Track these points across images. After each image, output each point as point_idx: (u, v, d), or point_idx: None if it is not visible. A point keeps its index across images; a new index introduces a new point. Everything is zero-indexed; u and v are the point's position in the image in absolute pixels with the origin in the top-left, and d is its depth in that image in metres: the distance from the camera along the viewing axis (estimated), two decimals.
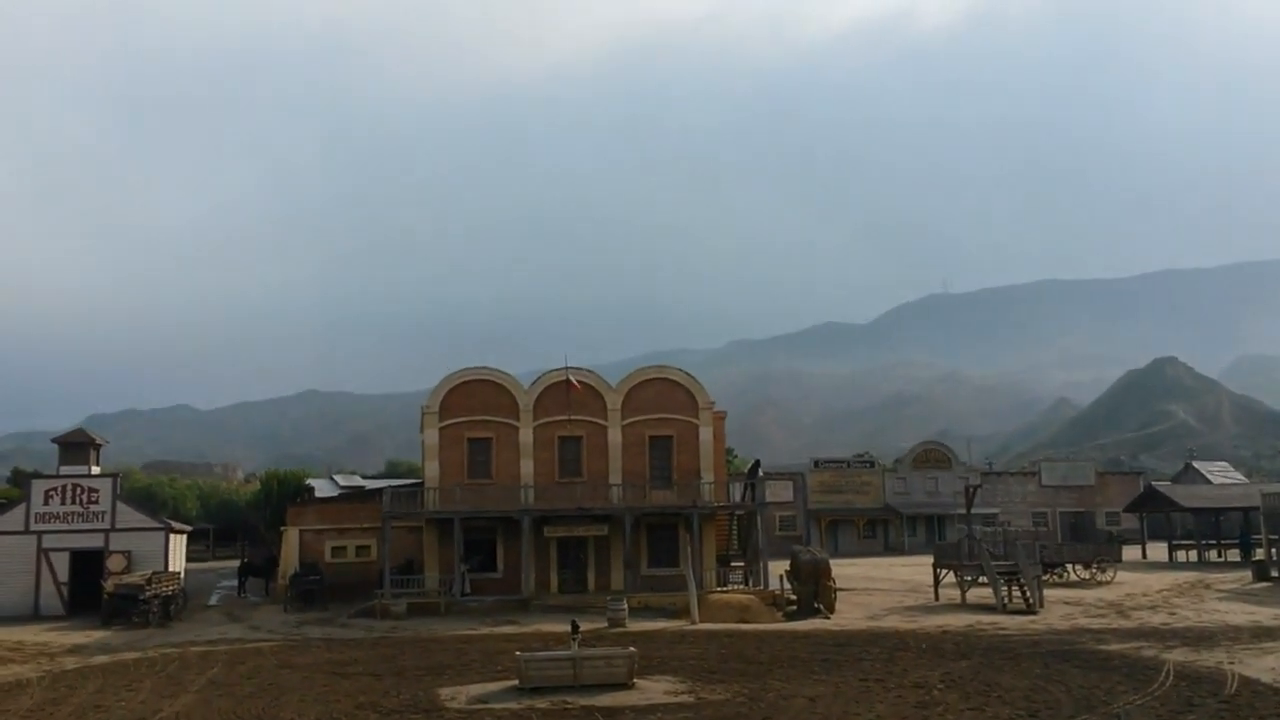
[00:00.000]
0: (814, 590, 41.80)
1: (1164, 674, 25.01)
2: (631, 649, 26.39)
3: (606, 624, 37.69)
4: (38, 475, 52.01)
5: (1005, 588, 41.78)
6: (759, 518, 48.04)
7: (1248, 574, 52.32)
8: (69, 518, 47.36)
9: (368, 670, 28.88)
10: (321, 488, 71.05)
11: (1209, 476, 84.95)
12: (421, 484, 49.01)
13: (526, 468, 48.10)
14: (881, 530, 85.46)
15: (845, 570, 53.80)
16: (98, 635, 38.55)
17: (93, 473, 48.95)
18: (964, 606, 41.82)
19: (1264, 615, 37.16)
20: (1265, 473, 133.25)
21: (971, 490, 57.42)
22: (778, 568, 45.60)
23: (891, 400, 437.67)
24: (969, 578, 43.91)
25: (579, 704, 22.86)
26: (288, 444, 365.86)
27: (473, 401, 48.67)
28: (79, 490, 47.71)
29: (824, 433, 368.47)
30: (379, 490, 52.04)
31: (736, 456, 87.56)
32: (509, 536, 47.05)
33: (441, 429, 48.33)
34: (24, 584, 46.39)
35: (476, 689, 25.34)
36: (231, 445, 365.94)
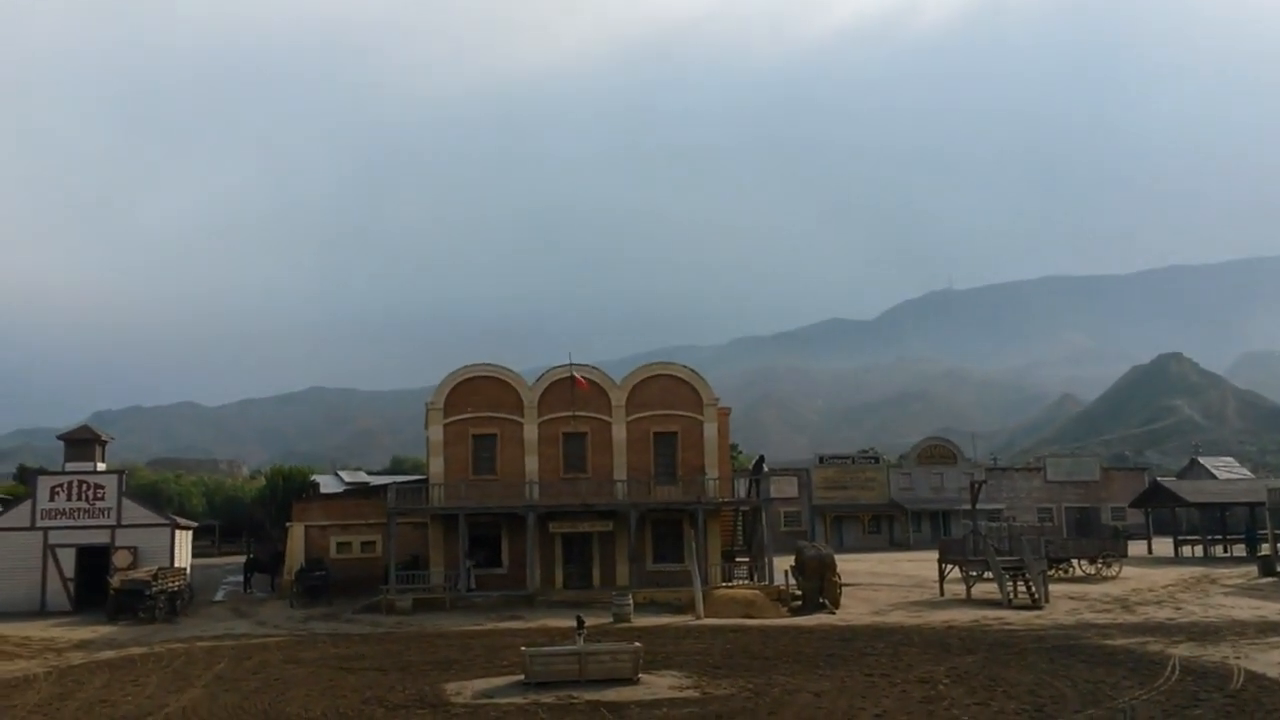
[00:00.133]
0: (819, 586, 41.81)
1: (1169, 669, 25.00)
2: (636, 644, 26.41)
3: (611, 619, 37.74)
4: (44, 472, 52.07)
5: (1010, 583, 41.77)
6: (764, 513, 48.03)
7: (1253, 569, 52.27)
8: (75, 514, 47.46)
9: (373, 665, 28.92)
10: (327, 484, 71.09)
11: (1214, 472, 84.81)
12: (426, 480, 49.07)
13: (531, 464, 48.13)
14: (886, 526, 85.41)
15: (850, 566, 53.79)
16: (104, 631, 38.63)
17: (98, 469, 49.05)
18: (969, 602, 41.83)
19: (1270, 610, 37.11)
20: (1271, 468, 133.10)
21: (976, 486, 57.39)
22: (783, 563, 45.61)
23: (896, 396, 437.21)
24: (974, 573, 43.90)
25: (584, 699, 22.89)
26: (293, 440, 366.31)
27: (477, 398, 48.69)
28: (85, 486, 47.79)
29: (829, 429, 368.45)
30: (384, 486, 52.12)
31: (741, 453, 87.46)
32: (514, 532, 47.08)
33: (446, 425, 48.36)
34: (30, 580, 46.49)
35: (482, 684, 25.38)
36: (237, 442, 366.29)
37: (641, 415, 49.12)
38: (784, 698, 22.77)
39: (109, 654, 32.53)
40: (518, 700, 23.07)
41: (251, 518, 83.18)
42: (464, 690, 24.55)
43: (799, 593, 42.57)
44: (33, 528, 47.11)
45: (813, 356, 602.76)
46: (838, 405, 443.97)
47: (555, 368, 49.67)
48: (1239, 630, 32.04)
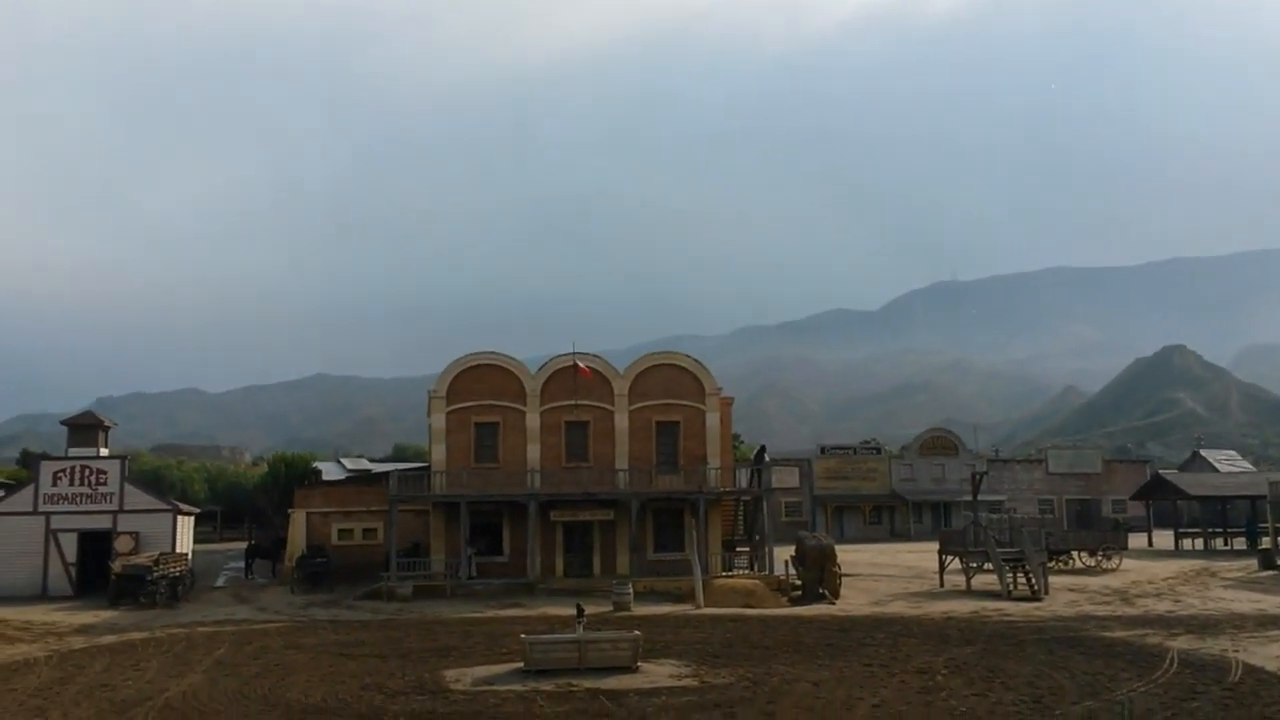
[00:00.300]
0: (819, 576, 41.84)
1: (1168, 661, 25.01)
2: (636, 632, 26.45)
3: (612, 608, 37.80)
4: (46, 457, 52.18)
5: (1010, 574, 41.77)
6: (765, 503, 48.07)
7: (1254, 562, 52.26)
8: (77, 499, 47.58)
9: (374, 652, 28.98)
10: (329, 471, 71.36)
11: (1216, 465, 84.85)
12: (428, 468, 49.15)
13: (533, 452, 48.18)
14: (887, 516, 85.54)
15: (851, 556, 53.86)
16: (105, 615, 38.73)
17: (101, 454, 49.12)
18: (969, 593, 41.86)
19: (1269, 604, 37.11)
20: (1273, 461, 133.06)
21: (978, 477, 57.49)
22: (783, 553, 45.61)
23: (899, 387, 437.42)
24: (974, 564, 43.91)
25: (583, 686, 22.94)
26: (296, 427, 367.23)
27: (480, 386, 48.73)
28: (87, 472, 47.91)
29: (831, 419, 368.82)
30: (386, 474, 52.23)
31: (743, 442, 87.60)
32: (515, 520, 47.16)
33: (449, 413, 48.42)
34: (32, 564, 46.63)
35: (482, 671, 25.44)
36: (240, 428, 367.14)
37: (644, 404, 49.16)
38: (783, 687, 22.81)
39: (110, 639, 32.62)
40: (517, 687, 23.12)
41: (253, 504, 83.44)
42: (464, 677, 24.60)
43: (799, 583, 42.61)
44: (35, 512, 47.23)
45: (817, 347, 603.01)
46: (841, 395, 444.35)
47: (558, 356, 49.68)
48: (1238, 623, 32.05)
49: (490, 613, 38.16)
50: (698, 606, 39.27)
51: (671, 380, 49.74)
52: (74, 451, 48.73)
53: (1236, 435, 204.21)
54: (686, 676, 24.27)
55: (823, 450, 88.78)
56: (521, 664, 25.24)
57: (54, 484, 47.67)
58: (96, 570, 45.84)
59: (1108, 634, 30.19)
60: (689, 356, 51.37)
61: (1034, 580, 40.98)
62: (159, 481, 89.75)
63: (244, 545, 60.80)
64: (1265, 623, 32.19)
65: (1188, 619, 33.41)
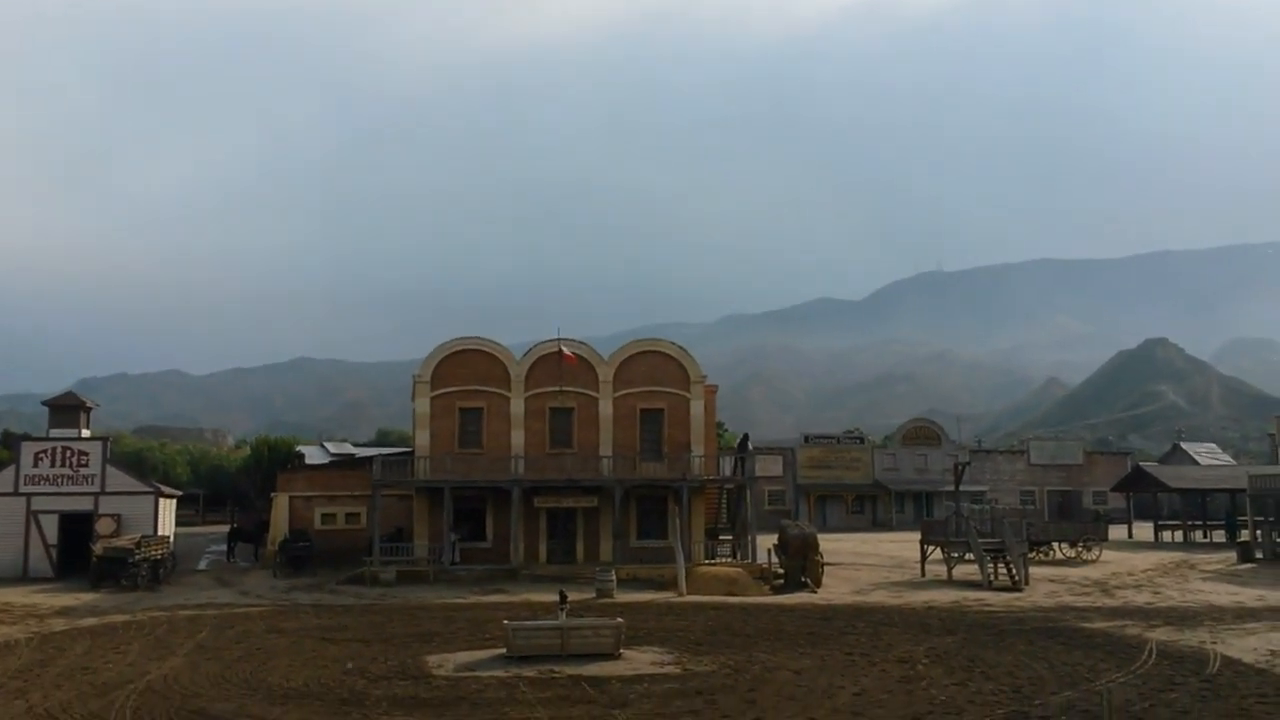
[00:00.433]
0: (802, 564, 41.96)
1: (1147, 652, 25.19)
2: (619, 619, 26.52)
3: (594, 594, 37.84)
4: (28, 437, 51.87)
5: (991, 565, 41.98)
6: (748, 492, 48.16)
7: (1233, 555, 52.66)
8: (58, 480, 47.35)
9: (356, 637, 28.98)
10: (312, 455, 71.16)
11: (1197, 458, 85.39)
12: (412, 453, 49.07)
13: (517, 438, 48.13)
14: (870, 506, 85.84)
15: (833, 545, 54.04)
16: (86, 598, 38.61)
17: (83, 436, 48.88)
18: (950, 583, 42.06)
19: (1247, 596, 37.40)
20: (1253, 455, 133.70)
21: (960, 468, 57.68)
22: (766, 541, 45.73)
23: (883, 377, 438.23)
24: (956, 554, 44.09)
25: (566, 673, 22.98)
26: (280, 411, 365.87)
27: (465, 371, 48.64)
28: (69, 453, 47.67)
29: (815, 408, 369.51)
30: (369, 458, 52.11)
31: (727, 430, 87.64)
32: (499, 506, 47.15)
33: (433, 398, 48.32)
34: (13, 546, 46.41)
35: (464, 657, 25.47)
36: (223, 411, 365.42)
37: (629, 391, 49.16)
38: (764, 675, 22.91)
39: (91, 621, 32.52)
40: (499, 673, 23.15)
41: (236, 487, 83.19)
42: (446, 663, 24.63)
43: (781, 571, 42.73)
44: (16, 493, 46.99)
45: (802, 335, 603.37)
46: (825, 385, 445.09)
47: (543, 342, 49.61)
48: (1216, 615, 32.28)
49: (473, 598, 38.18)
50: (680, 594, 39.36)
51: (656, 367, 49.74)
52: (55, 432, 48.48)
53: (1217, 428, 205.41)
54: (669, 664, 24.35)
55: (806, 439, 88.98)
56: (504, 650, 25.27)
57: (35, 465, 47.41)
58: (78, 552, 45.65)
59: (1087, 625, 30.39)
60: (674, 344, 51.36)
61: (1015, 571, 41.19)
62: (141, 463, 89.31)
63: (226, 528, 60.66)
64: (1243, 615, 32.43)
65: (1167, 611, 33.64)
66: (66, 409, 49.55)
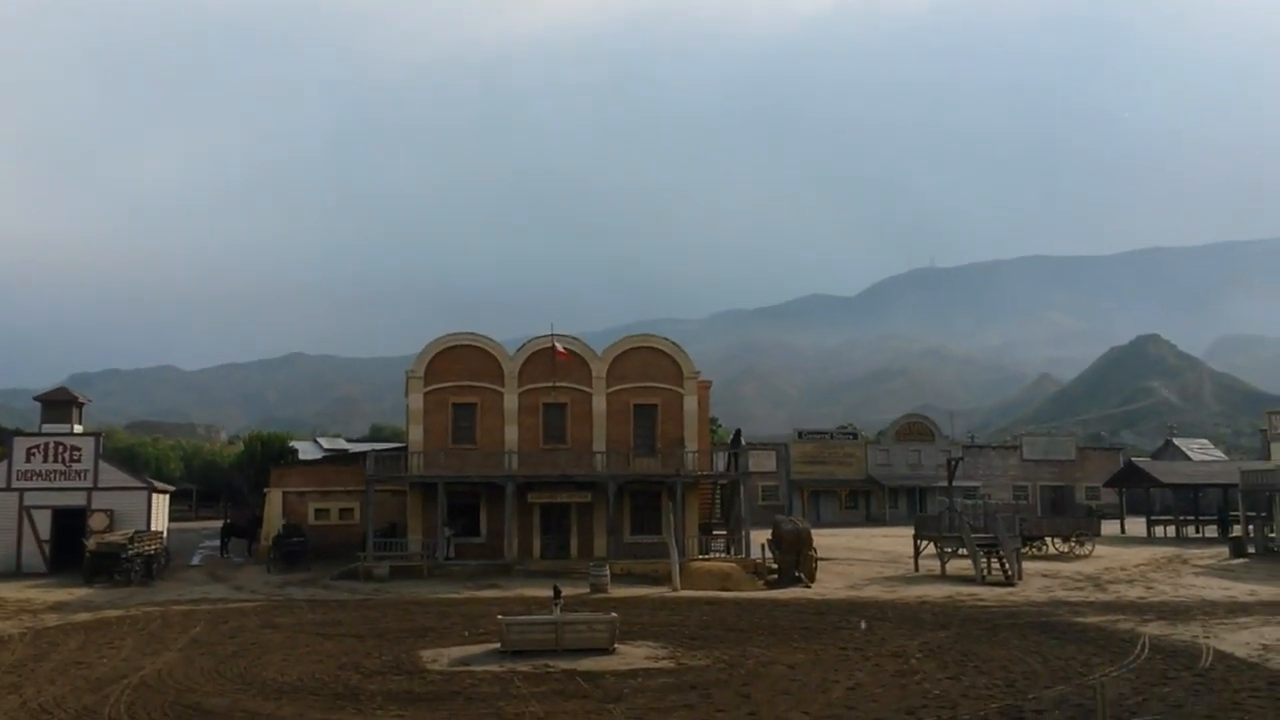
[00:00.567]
0: (795, 559, 42.02)
1: (1140, 647, 25.27)
2: (613, 614, 26.54)
3: (589, 589, 37.88)
4: (20, 433, 51.78)
5: (985, 560, 42.09)
6: (742, 487, 48.20)
7: (1225, 550, 52.79)
8: (51, 476, 47.24)
9: (350, 631, 28.98)
10: (305, 450, 71.05)
11: (1189, 453, 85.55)
12: (405, 448, 49.02)
13: (511, 434, 48.10)
14: (863, 501, 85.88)
15: (827, 540, 54.07)
16: (80, 593, 38.55)
17: (75, 431, 48.78)
18: (944, 578, 42.13)
19: (1240, 591, 37.53)
20: (1244, 450, 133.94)
21: (953, 463, 57.58)
22: (760, 537, 45.79)
23: (876, 373, 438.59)
24: (949, 549, 44.20)
25: (560, 668, 23.01)
26: (274, 406, 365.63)
27: (458, 367, 48.59)
28: (61, 448, 47.56)
29: (808, 404, 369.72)
30: (363, 454, 52.06)
31: (720, 426, 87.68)
32: (492, 502, 47.13)
33: (426, 394, 48.28)
34: (6, 541, 46.32)
35: (458, 651, 25.48)
36: (217, 406, 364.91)
37: (622, 387, 49.14)
38: (758, 669, 22.95)
39: (84, 616, 32.48)
40: (494, 668, 23.17)
41: (229, 483, 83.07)
42: (440, 658, 24.64)
43: (775, 566, 42.79)
44: (9, 489, 46.89)
45: (795, 331, 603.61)
46: (819, 381, 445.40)
47: (537, 338, 49.59)
48: (1209, 610, 32.40)
49: (467, 593, 38.19)
50: (674, 589, 39.39)
51: (650, 363, 49.73)
52: (48, 428, 48.37)
53: (1209, 424, 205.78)
54: (663, 658, 24.38)
55: (800, 435, 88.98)
56: (498, 645, 25.31)
57: (28, 460, 47.31)
58: (71, 547, 45.58)
59: (1080, 619, 30.48)
60: (667, 340, 51.35)
61: (1008, 566, 41.29)
62: (134, 459, 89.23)
63: (219, 524, 60.53)
64: (1235, 609, 32.56)
65: (1159, 605, 33.75)
66: (59, 404, 49.43)
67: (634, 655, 24.69)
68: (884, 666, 23.17)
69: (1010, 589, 38.77)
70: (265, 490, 54.18)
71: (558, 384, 48.57)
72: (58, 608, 34.63)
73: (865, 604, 34.88)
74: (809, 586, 40.33)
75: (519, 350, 49.28)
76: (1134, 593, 37.39)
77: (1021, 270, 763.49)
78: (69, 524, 46.85)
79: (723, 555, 46.67)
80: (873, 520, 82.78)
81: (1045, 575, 42.89)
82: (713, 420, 67.55)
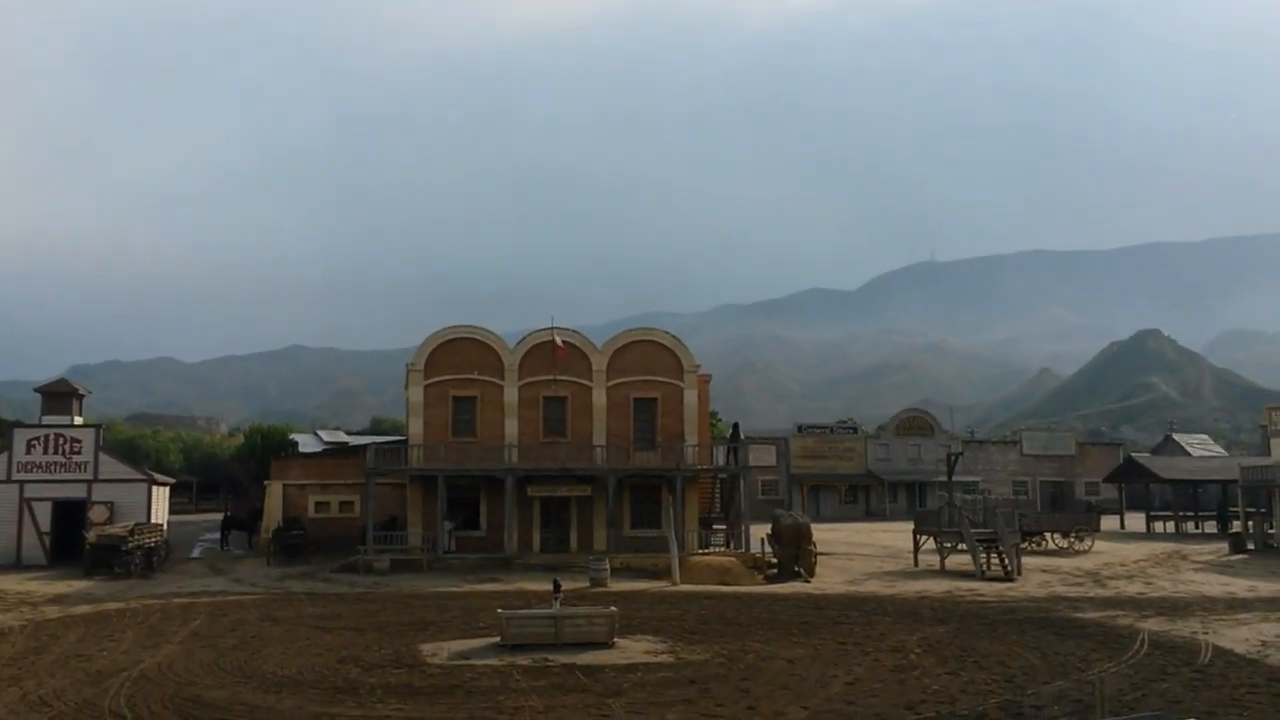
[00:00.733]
0: (795, 554, 42.05)
1: (1139, 643, 25.28)
2: (612, 609, 26.58)
3: (588, 583, 37.89)
4: (20, 425, 51.74)
5: (984, 555, 42.09)
6: (742, 481, 48.21)
7: (1224, 546, 52.78)
8: (51, 468, 47.25)
9: (350, 625, 29.00)
10: (305, 443, 70.98)
11: (1188, 449, 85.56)
12: (406, 441, 49.02)
13: (511, 427, 48.09)
14: (863, 496, 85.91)
15: (826, 535, 54.14)
16: (80, 585, 38.58)
17: (75, 423, 48.78)
18: (943, 573, 42.13)
19: (1239, 587, 37.54)
20: (1244, 446, 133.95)
21: (953, 458, 57.76)
22: (759, 531, 45.84)
23: (876, 367, 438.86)
24: (949, 544, 44.22)
25: (559, 662, 23.03)
26: (273, 399, 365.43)
27: (458, 359, 48.57)
28: (61, 440, 47.57)
29: (808, 398, 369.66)
30: (363, 446, 52.02)
31: (720, 420, 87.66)
32: (492, 495, 47.13)
33: (426, 386, 48.26)
34: (6, 533, 46.33)
35: (458, 645, 25.50)
36: (217, 399, 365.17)
37: (622, 381, 49.13)
38: (758, 664, 22.96)
39: (85, 609, 32.52)
40: (493, 662, 23.19)
41: (229, 475, 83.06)
42: (440, 651, 24.66)
43: (775, 561, 42.81)
44: (9, 480, 46.89)
45: (795, 326, 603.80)
46: (819, 375, 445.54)
47: (537, 331, 49.58)
48: (1208, 606, 32.41)
49: (467, 587, 38.22)
50: (674, 583, 39.42)
51: (650, 357, 49.71)
52: (48, 420, 48.36)
53: (1209, 420, 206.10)
54: (662, 653, 24.41)
55: (800, 429, 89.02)
56: (498, 639, 25.32)
57: (28, 452, 47.32)
58: (71, 540, 45.61)
59: (1079, 615, 30.50)
60: (667, 333, 51.36)
61: (1007, 561, 41.31)
62: (134, 451, 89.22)
63: (220, 516, 60.57)
64: (1234, 605, 32.57)
65: (1158, 601, 33.77)
66: (59, 396, 49.43)
67: (633, 649, 24.71)
68: (883, 661, 23.18)
69: (1010, 584, 38.78)
70: (265, 483, 54.21)
71: (558, 377, 48.55)
72: (58, 600, 34.66)
73: (865, 599, 34.90)
74: (808, 581, 40.35)
75: (519, 343, 49.26)
76: (1133, 588, 37.41)
77: (1022, 265, 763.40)
78: (69, 516, 46.86)
79: (722, 550, 46.70)
80: (872, 515, 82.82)
81: (1045, 571, 42.90)
82: (713, 414, 67.51)
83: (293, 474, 53.41)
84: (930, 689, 20.31)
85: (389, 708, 19.03)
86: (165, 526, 50.18)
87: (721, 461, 49.54)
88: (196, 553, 51.60)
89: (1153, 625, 28.28)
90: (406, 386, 49.43)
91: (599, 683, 20.98)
